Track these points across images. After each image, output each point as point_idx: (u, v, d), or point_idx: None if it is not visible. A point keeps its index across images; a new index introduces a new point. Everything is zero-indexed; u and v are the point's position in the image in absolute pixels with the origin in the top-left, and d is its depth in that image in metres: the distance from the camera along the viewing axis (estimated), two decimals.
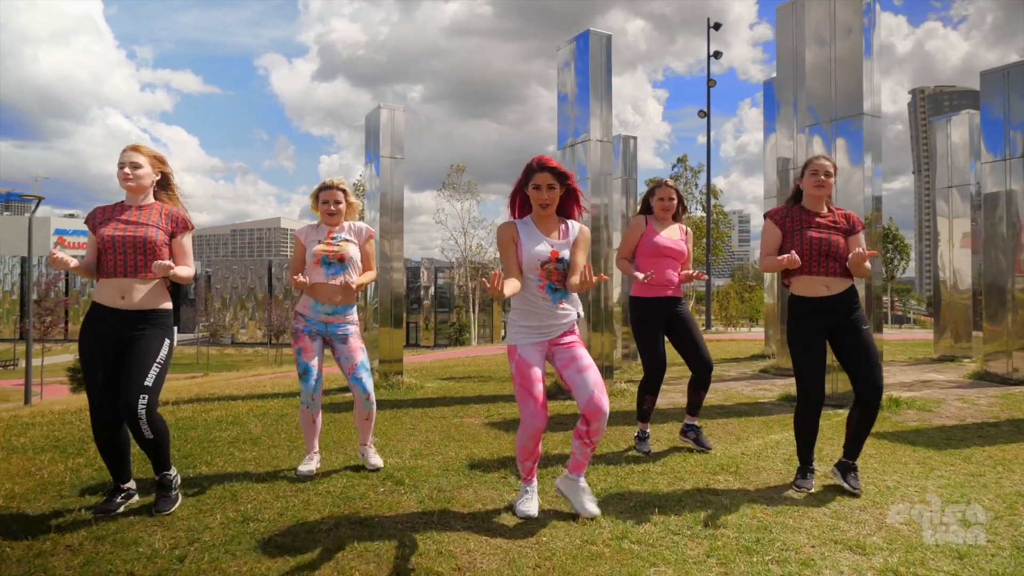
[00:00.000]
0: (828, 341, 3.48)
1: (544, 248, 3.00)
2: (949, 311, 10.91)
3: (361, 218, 4.18)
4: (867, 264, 3.33)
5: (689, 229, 4.54)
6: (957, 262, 10.75)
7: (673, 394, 6.61)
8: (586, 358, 3.03)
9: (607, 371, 7.01)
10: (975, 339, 10.66)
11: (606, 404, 2.95)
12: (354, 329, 3.90)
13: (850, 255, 3.37)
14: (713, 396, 6.68)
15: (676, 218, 4.49)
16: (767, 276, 11.20)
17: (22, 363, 34.43)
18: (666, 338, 4.35)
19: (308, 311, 3.81)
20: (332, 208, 3.87)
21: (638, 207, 4.72)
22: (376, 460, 3.92)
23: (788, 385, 7.54)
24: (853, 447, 3.48)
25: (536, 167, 3.02)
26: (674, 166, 34.51)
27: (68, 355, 33.93)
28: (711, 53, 19.90)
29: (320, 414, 3.86)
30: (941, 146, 11.03)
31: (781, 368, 8.86)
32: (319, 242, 3.84)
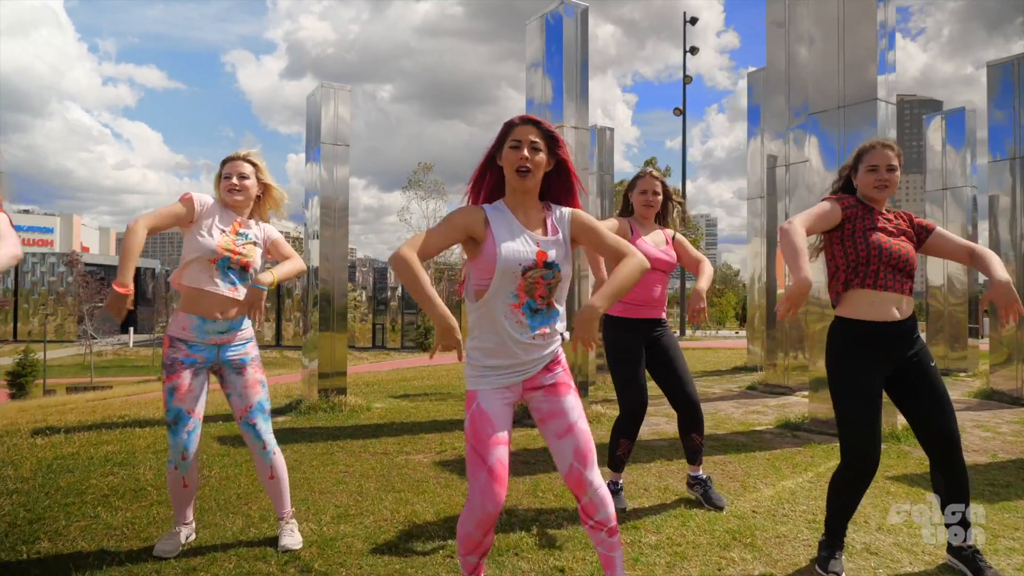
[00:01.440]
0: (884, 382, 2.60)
1: (525, 248, 2.05)
2: (941, 319, 10.27)
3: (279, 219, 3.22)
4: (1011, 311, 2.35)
5: (678, 235, 3.64)
6: (951, 267, 10.11)
7: (657, 419, 5.74)
8: (571, 412, 2.12)
9: (582, 388, 6.11)
10: (970, 349, 10.03)
11: (595, 476, 2.08)
12: (254, 353, 2.95)
13: (995, 279, 2.40)
14: None
15: (661, 220, 3.60)
16: (751, 274, 10.42)
17: None
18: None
19: (191, 333, 2.82)
20: (236, 183, 2.90)
21: (615, 209, 3.77)
22: (291, 540, 2.90)
23: (783, 407, 6.74)
24: (963, 527, 2.56)
25: (518, 121, 2.12)
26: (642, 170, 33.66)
27: (8, 357, 32.03)
28: (687, 49, 19.29)
29: (196, 472, 2.90)
30: (936, 147, 10.39)
31: (771, 384, 8.07)
32: (222, 231, 2.86)
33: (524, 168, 2.05)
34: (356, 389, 8.18)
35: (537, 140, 2.08)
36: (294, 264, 3.03)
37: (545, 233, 2.11)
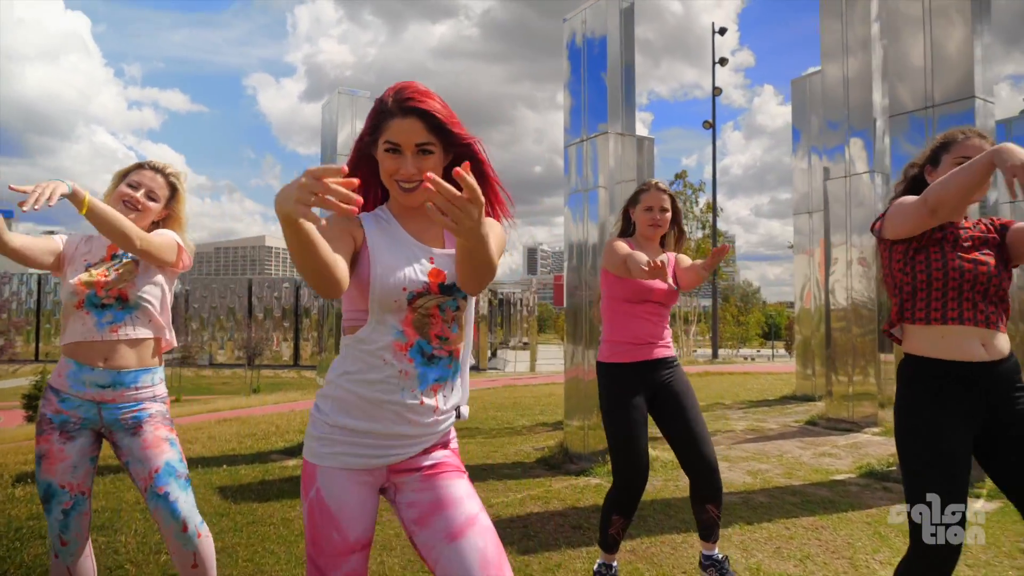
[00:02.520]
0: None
1: (413, 266, 1.45)
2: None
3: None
4: None
5: (687, 258, 2.87)
6: None
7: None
8: (467, 502, 1.46)
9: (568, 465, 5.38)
10: None
11: None
12: (154, 408, 2.23)
13: None
14: (771, 466, 5.08)
15: (666, 244, 2.90)
16: (800, 292, 9.66)
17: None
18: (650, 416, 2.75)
19: (65, 381, 2.17)
20: (138, 198, 2.25)
21: (616, 224, 3.03)
22: None
23: (856, 448, 5.96)
24: None
25: (391, 105, 1.43)
26: (672, 183, 32.28)
27: (24, 378, 31.84)
28: (716, 60, 18.70)
29: (90, 561, 2.22)
30: None
31: (833, 418, 7.29)
32: (87, 267, 2.22)
33: (407, 185, 1.44)
34: None
35: (427, 142, 1.42)
36: (123, 218, 2.06)
37: (444, 245, 1.51)
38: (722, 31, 18.72)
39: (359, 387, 1.42)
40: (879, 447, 5.94)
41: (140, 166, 2.32)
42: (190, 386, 43.80)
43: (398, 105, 1.41)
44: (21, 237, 2.14)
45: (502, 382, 14.18)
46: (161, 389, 2.29)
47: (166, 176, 2.32)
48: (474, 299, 1.54)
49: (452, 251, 1.47)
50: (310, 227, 1.14)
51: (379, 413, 1.42)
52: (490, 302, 50.12)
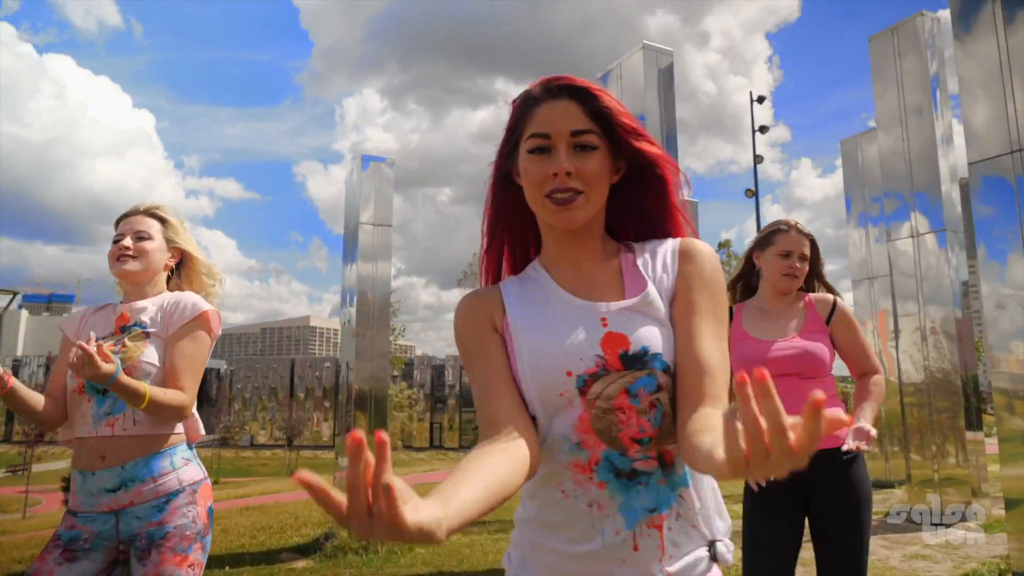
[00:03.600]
0: None
1: (574, 334, 0.97)
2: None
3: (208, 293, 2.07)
4: None
5: (842, 305, 2.30)
6: None
7: None
8: None
9: None
10: None
11: None
12: (179, 521, 1.74)
13: None
14: None
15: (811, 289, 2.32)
16: None
17: (35, 468, 32.42)
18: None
19: (77, 499, 1.75)
20: (127, 245, 1.88)
21: (734, 285, 2.47)
22: None
23: (952, 549, 5.10)
24: None
25: (539, 92, 1.02)
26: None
27: (64, 461, 32.00)
28: (756, 128, 18.44)
29: None
30: None
31: (916, 509, 6.39)
32: (95, 340, 1.77)
33: (562, 194, 0.98)
34: None
35: (587, 130, 0.99)
36: (174, 396, 1.77)
37: (621, 293, 1.01)
38: (760, 99, 18.53)
39: (540, 535, 0.98)
40: (979, 548, 5.07)
41: (121, 218, 1.98)
42: (229, 468, 43.61)
43: (545, 88, 1.02)
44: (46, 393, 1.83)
45: None
46: (190, 471, 1.82)
47: (146, 211, 1.96)
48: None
49: (634, 299, 0.99)
50: None
51: (577, 552, 0.94)
52: None
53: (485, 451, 0.86)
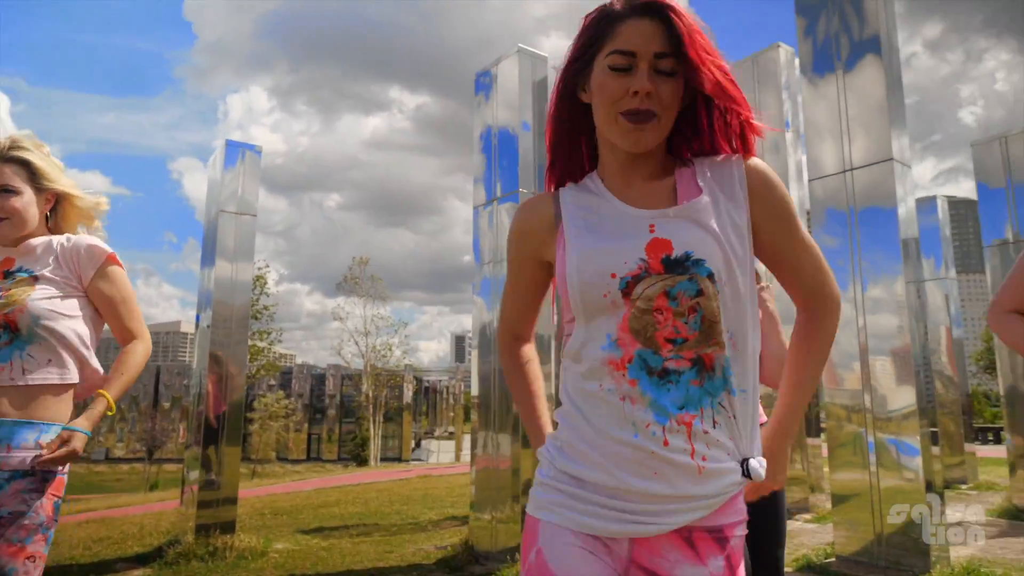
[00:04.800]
0: None
1: (622, 240, 1.02)
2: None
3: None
4: None
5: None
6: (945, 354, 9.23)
7: None
8: None
9: None
10: (968, 455, 9.06)
11: None
12: (16, 510, 1.53)
13: None
14: None
15: None
16: None
17: None
18: None
19: None
20: None
21: None
22: None
23: (792, 535, 5.47)
24: None
25: (622, 7, 1.02)
26: None
27: None
28: None
29: None
30: None
31: None
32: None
33: (639, 114, 0.99)
34: (260, 520, 6.58)
35: (670, 53, 0.99)
36: (132, 361, 1.73)
37: (674, 201, 1.04)
38: None
39: (579, 422, 1.01)
40: (812, 535, 5.49)
41: None
42: (79, 483, 39.98)
43: (631, 3, 1.01)
44: None
45: (416, 472, 13.23)
46: (45, 438, 1.61)
47: (3, 159, 1.73)
48: (741, 274, 1.00)
49: (687, 203, 1.02)
50: None
51: (609, 458, 0.97)
52: (415, 391, 48.63)
53: (533, 372, 1.26)
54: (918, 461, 4.18)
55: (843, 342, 4.54)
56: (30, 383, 1.61)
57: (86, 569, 4.58)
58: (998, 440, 19.64)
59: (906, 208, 4.44)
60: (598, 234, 1.03)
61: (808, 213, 5.18)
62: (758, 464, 1.00)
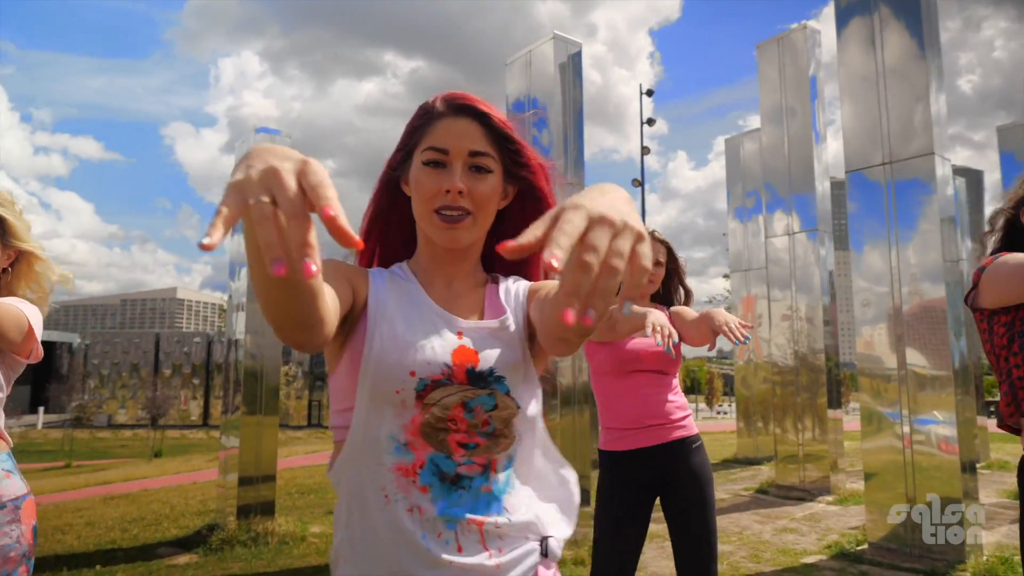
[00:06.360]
0: None
1: (429, 340, 0.97)
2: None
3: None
4: None
5: (689, 311, 2.38)
6: None
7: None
8: None
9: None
10: (980, 430, 9.18)
11: None
12: (1, 544, 1.53)
13: None
14: (734, 547, 4.61)
15: (661, 299, 2.46)
16: (744, 348, 9.48)
17: None
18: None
19: None
20: None
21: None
22: None
23: (817, 521, 5.58)
24: None
25: (442, 108, 1.03)
26: None
27: None
28: (644, 120, 19.17)
29: None
30: None
31: (783, 486, 6.95)
32: None
33: (452, 212, 0.99)
34: (290, 501, 6.68)
35: (484, 152, 1.01)
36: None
37: (480, 316, 1.04)
38: (649, 92, 19.27)
39: (362, 542, 0.94)
40: (838, 519, 5.60)
41: None
42: (84, 450, 40.40)
43: (449, 104, 1.02)
44: None
45: None
46: (11, 485, 1.58)
47: None
48: (530, 396, 1.01)
49: (491, 321, 1.01)
50: None
51: (398, 560, 0.91)
52: None
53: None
54: (953, 436, 4.24)
55: (879, 310, 4.60)
56: None
57: (131, 554, 4.65)
58: None
59: (943, 183, 4.45)
60: (406, 322, 0.97)
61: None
62: (556, 545, 1.01)
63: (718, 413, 37.03)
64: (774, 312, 7.40)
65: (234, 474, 5.14)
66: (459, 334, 0.98)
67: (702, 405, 44.75)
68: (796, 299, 7.12)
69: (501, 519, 0.95)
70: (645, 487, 2.19)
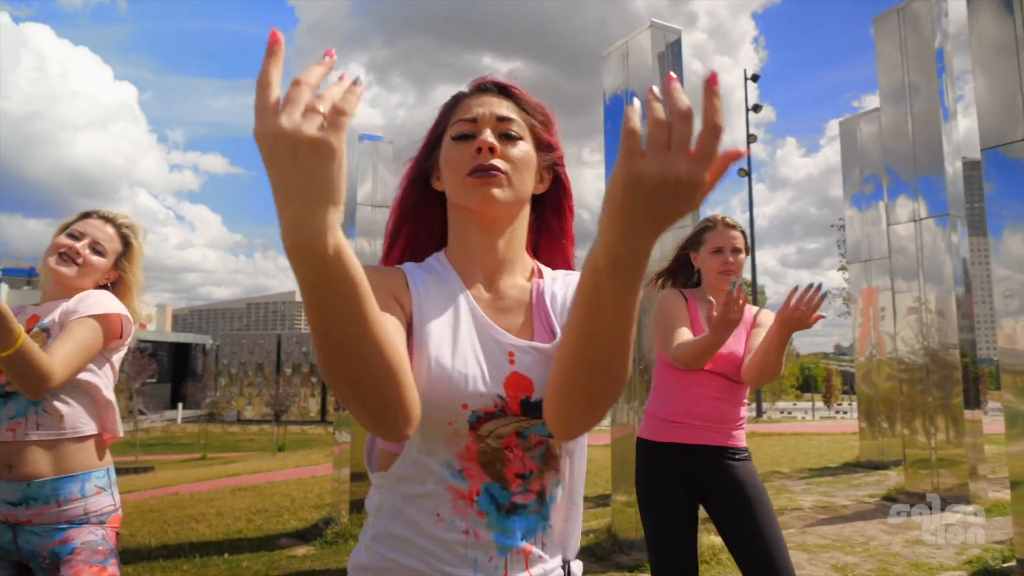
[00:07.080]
0: None
1: (478, 364, 0.90)
2: None
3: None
4: None
5: (761, 309, 2.30)
6: None
7: None
8: None
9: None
10: None
11: None
12: (85, 539, 1.63)
13: None
14: (859, 559, 4.31)
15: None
16: (861, 343, 8.90)
17: None
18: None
19: None
20: (78, 247, 1.74)
21: (660, 278, 2.42)
22: None
23: (953, 532, 5.13)
24: None
25: (469, 86, 1.04)
26: None
27: None
28: (750, 107, 18.36)
29: None
30: None
31: (912, 492, 6.43)
32: None
33: (484, 169, 0.93)
34: None
35: (513, 118, 0.97)
36: (45, 359, 1.53)
37: (529, 329, 0.96)
38: (755, 78, 18.43)
39: (403, 556, 0.90)
40: (979, 531, 5.10)
41: (86, 215, 1.83)
42: (217, 443, 43.65)
43: (475, 85, 1.03)
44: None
45: None
46: (100, 502, 1.69)
47: (117, 226, 1.83)
48: None
49: (543, 347, 0.93)
50: (339, 242, 0.67)
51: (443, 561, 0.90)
52: None
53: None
54: None
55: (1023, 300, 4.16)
56: (47, 439, 1.62)
57: (255, 544, 4.93)
58: None
59: None
60: (453, 345, 0.90)
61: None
62: (578, 568, 1.00)
63: (837, 412, 34.91)
64: (899, 305, 6.86)
65: (347, 469, 5.34)
66: (510, 356, 0.91)
67: (819, 404, 42.44)
68: (924, 290, 6.57)
69: (546, 537, 0.94)
70: (682, 481, 2.09)
